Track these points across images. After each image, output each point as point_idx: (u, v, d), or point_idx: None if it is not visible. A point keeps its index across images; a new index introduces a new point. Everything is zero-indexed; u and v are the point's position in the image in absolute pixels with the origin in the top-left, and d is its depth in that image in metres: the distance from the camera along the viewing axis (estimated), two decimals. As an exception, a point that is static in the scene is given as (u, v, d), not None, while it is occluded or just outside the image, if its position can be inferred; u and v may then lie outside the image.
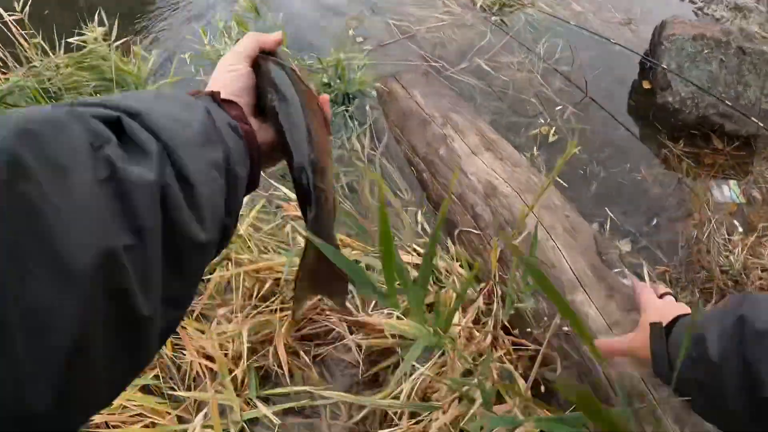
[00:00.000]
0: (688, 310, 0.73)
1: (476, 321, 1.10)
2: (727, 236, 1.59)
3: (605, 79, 2.03)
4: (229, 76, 0.48)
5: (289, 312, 1.17)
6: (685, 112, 1.81)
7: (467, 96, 1.91)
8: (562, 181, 1.60)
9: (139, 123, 0.33)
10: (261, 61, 0.50)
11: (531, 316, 1.03)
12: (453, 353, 0.91)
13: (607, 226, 1.54)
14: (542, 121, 1.81)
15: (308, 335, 1.22)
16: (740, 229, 1.64)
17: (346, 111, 1.88)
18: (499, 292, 1.09)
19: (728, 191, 1.78)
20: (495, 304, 1.06)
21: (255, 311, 1.18)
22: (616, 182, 1.68)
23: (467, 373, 0.97)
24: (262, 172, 0.47)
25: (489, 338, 1.00)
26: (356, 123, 1.85)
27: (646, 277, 1.09)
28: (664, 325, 0.69)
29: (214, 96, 0.43)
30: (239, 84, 0.48)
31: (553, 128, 1.77)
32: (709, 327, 0.55)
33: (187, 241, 0.33)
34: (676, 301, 0.85)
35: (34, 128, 0.25)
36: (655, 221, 1.59)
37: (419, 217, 1.46)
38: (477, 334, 1.00)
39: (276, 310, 1.18)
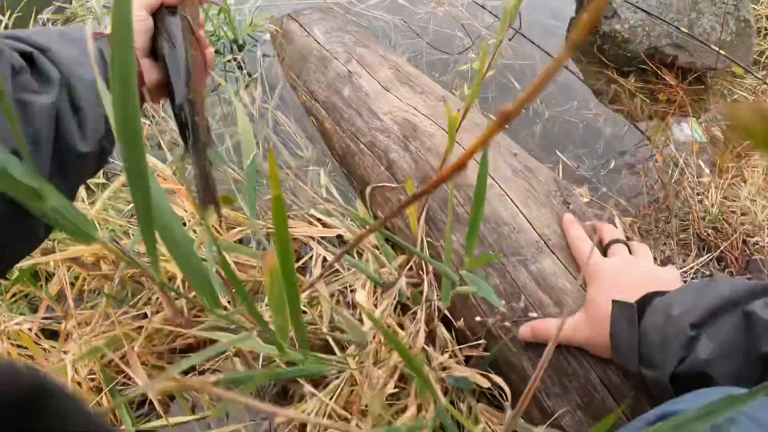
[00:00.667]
0: (652, 273, 0.59)
1: (404, 312, 0.77)
2: (696, 179, 1.33)
3: (541, 13, 1.73)
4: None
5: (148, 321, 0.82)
6: (635, 42, 1.54)
7: (381, 35, 1.57)
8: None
9: (48, 57, 0.43)
10: (160, 11, 0.57)
11: (479, 297, 0.70)
12: (361, 372, 0.57)
13: (560, 172, 1.24)
14: (474, 56, 1.49)
15: (186, 346, 0.86)
16: (707, 171, 1.39)
17: (235, 60, 1.51)
18: (431, 269, 0.77)
19: (689, 129, 1.53)
20: (425, 286, 0.73)
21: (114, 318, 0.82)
22: (564, 123, 1.38)
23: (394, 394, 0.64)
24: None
25: (420, 337, 0.66)
26: (245, 73, 1.47)
27: (618, 226, 0.80)
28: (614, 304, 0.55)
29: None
30: (136, 28, 0.53)
31: (487, 61, 1.45)
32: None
33: (72, 151, 0.44)
34: (630, 252, 0.65)
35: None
36: (612, 164, 1.31)
37: (322, 178, 1.12)
38: (401, 332, 0.66)
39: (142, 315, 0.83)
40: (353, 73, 1.15)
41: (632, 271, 0.59)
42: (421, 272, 0.75)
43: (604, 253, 0.66)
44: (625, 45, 1.54)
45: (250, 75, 1.48)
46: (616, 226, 0.73)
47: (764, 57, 1.81)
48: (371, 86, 1.09)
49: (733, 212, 1.23)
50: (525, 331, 0.64)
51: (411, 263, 0.76)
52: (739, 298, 0.46)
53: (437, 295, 0.73)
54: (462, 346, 0.71)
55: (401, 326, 0.71)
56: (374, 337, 0.61)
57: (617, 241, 0.66)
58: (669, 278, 0.59)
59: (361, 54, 1.21)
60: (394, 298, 0.70)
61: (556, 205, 0.74)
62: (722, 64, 1.64)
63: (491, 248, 0.70)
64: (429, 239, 0.78)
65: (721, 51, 1.31)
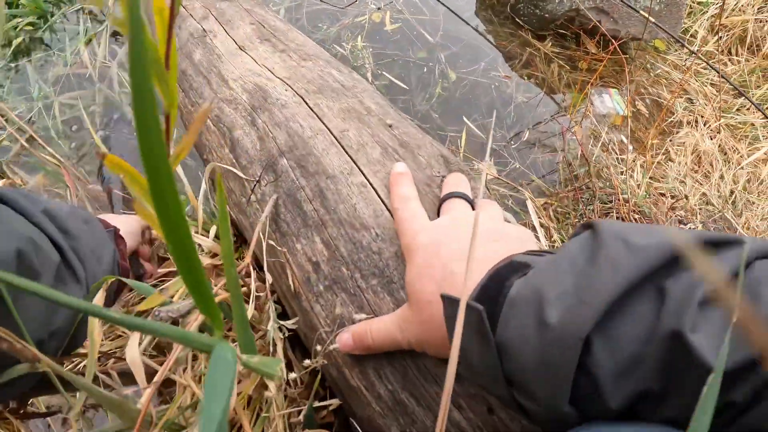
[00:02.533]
0: (492, 230, 0.39)
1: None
2: (618, 155, 1.18)
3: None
4: (130, 224, 0.63)
5: None
6: (555, 2, 1.36)
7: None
8: (397, 81, 1.08)
9: (75, 252, 0.45)
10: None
11: (322, 318, 0.49)
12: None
13: (462, 142, 1.05)
14: (374, 6, 1.27)
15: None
16: (630, 148, 1.25)
17: (84, 10, 1.24)
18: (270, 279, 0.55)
19: (610, 102, 1.38)
20: (250, 306, 0.51)
21: None
22: (470, 86, 1.19)
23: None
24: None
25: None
26: (88, 28, 1.20)
27: (532, 214, 0.62)
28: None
29: (116, 231, 0.56)
30: (131, 228, 0.63)
31: (388, 13, 1.24)
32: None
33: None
34: (472, 206, 0.47)
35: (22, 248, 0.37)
36: (525, 136, 1.13)
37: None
38: (198, 392, 0.44)
39: None
40: (208, 32, 0.91)
41: (458, 234, 0.39)
42: (246, 279, 0.53)
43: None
44: (542, 4, 1.37)
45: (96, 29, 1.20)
46: (530, 213, 0.53)
47: (688, 35, 1.70)
48: (226, 46, 0.85)
49: (662, 195, 1.08)
50: (345, 338, 0.44)
51: (241, 268, 0.54)
52: (647, 276, 0.27)
53: (272, 319, 0.52)
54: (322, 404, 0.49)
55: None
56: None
57: (454, 194, 0.47)
58: (517, 234, 0.39)
59: (222, 9, 0.97)
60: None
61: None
62: (649, 35, 1.51)
63: (345, 265, 0.49)
64: (271, 242, 0.56)
65: (650, 18, 1.16)
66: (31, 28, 1.26)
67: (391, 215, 0.49)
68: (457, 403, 0.40)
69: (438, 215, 0.48)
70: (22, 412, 0.54)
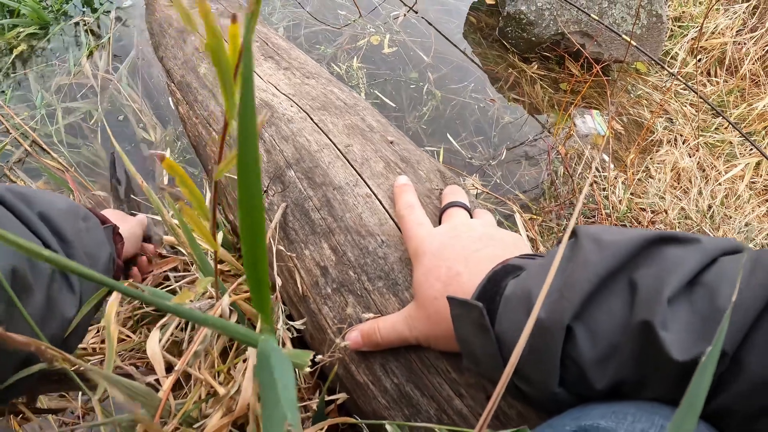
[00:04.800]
0: (487, 235, 0.44)
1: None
2: (600, 173, 1.24)
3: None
4: (131, 224, 0.66)
5: None
6: (541, 26, 1.43)
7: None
8: (387, 99, 1.13)
9: (68, 255, 0.46)
10: None
11: (328, 320, 0.53)
12: None
13: (440, 159, 1.10)
14: (372, 30, 1.32)
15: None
16: (611, 165, 1.31)
17: (84, 23, 1.26)
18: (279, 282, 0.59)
19: (591, 122, 1.44)
20: (277, 305, 0.54)
21: None
22: (458, 106, 1.24)
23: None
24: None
25: (246, 390, 0.47)
26: (90, 39, 1.23)
27: (520, 227, 0.66)
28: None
29: (114, 228, 0.57)
30: (134, 231, 0.66)
31: (387, 36, 1.29)
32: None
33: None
34: (470, 214, 0.53)
35: (17, 265, 0.37)
36: (509, 154, 1.18)
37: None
38: (219, 388, 0.47)
39: None
40: (213, 47, 0.95)
41: (459, 239, 0.44)
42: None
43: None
44: (530, 28, 1.43)
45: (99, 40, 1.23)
46: (518, 226, 0.58)
47: (669, 57, 1.78)
48: (230, 61, 0.89)
49: (643, 210, 1.14)
50: (353, 336, 0.48)
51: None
52: (617, 269, 0.32)
53: (282, 320, 0.55)
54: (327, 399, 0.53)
55: (229, 373, 0.52)
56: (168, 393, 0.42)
57: (454, 204, 0.52)
58: (512, 239, 0.44)
59: (226, 25, 1.01)
60: (217, 338, 0.52)
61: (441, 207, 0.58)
62: (631, 57, 1.58)
63: (353, 269, 0.52)
64: (280, 247, 0.60)
65: (632, 42, 1.22)
66: (31, 39, 1.28)
67: (395, 224, 0.54)
68: (459, 392, 0.44)
69: (439, 223, 0.52)
70: (32, 406, 0.57)
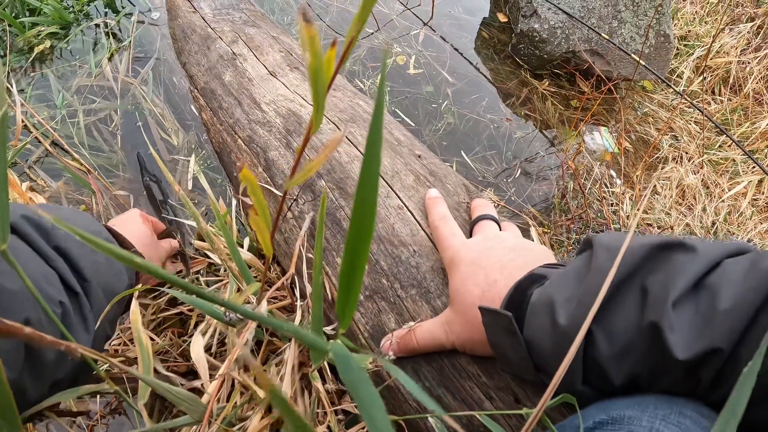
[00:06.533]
0: (518, 247, 0.48)
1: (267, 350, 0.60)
2: (609, 189, 1.27)
3: (457, 7, 1.63)
4: (158, 251, 0.68)
5: None
6: (553, 44, 1.46)
7: (278, 10, 1.40)
8: (405, 117, 1.16)
9: (85, 291, 0.46)
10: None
11: (367, 331, 0.55)
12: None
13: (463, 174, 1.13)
14: (399, 49, 1.35)
15: None
16: (619, 182, 1.34)
17: (106, 25, 1.28)
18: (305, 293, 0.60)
19: (600, 138, 1.47)
20: (297, 314, 0.56)
21: None
22: (472, 122, 1.27)
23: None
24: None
25: (286, 386, 0.49)
26: (112, 42, 1.25)
27: (535, 239, 0.69)
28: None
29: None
30: (148, 243, 0.66)
31: (413, 57, 1.32)
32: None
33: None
34: (499, 226, 0.56)
35: (30, 316, 0.38)
36: (521, 170, 1.21)
37: (192, 165, 0.94)
38: (257, 389, 0.49)
39: None
40: (238, 56, 0.97)
41: (494, 249, 0.47)
42: (294, 293, 0.59)
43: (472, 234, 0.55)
44: (542, 45, 1.46)
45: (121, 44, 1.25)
46: (531, 237, 0.62)
47: (675, 75, 1.81)
48: (257, 71, 0.91)
49: (650, 225, 1.17)
50: (390, 345, 0.51)
51: (283, 280, 0.60)
52: (629, 275, 0.36)
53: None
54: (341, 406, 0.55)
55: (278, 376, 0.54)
56: (212, 402, 0.44)
57: (485, 217, 0.55)
58: (539, 250, 0.48)
59: (250, 34, 1.03)
60: (253, 340, 0.53)
61: (468, 219, 0.61)
62: (639, 76, 1.61)
63: (385, 277, 0.55)
64: (310, 255, 0.62)
65: (640, 61, 1.25)
66: (52, 38, 1.30)
67: (427, 235, 0.56)
68: (489, 395, 0.46)
69: (470, 234, 0.55)
70: (56, 410, 0.58)
